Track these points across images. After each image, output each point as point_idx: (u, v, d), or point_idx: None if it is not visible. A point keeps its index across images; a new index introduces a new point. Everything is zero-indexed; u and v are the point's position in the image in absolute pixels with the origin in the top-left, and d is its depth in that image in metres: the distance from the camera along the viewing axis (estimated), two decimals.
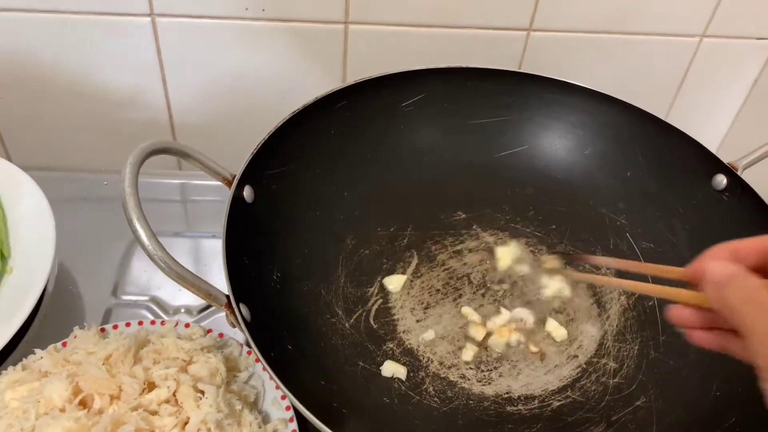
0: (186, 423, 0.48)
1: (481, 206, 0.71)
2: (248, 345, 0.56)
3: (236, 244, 0.53)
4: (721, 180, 0.63)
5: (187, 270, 0.46)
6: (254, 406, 0.53)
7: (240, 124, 0.83)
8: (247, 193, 0.57)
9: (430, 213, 0.70)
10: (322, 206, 0.65)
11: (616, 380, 0.58)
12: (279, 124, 0.61)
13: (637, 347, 0.60)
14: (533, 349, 0.59)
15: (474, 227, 0.70)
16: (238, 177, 0.56)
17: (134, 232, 0.45)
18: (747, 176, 0.62)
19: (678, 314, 0.40)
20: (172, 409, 0.49)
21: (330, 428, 0.43)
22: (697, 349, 0.58)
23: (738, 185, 0.62)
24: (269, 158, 0.60)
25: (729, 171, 0.62)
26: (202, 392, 0.50)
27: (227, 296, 0.48)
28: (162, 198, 0.80)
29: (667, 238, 0.66)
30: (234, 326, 0.48)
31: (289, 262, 0.59)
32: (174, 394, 0.50)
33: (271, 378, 0.45)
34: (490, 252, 0.67)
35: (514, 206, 0.71)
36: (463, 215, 0.70)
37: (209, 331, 0.58)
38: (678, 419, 0.53)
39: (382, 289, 0.63)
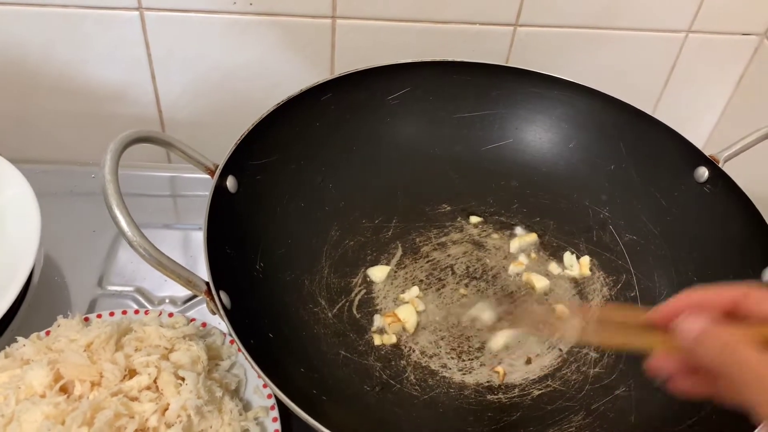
0: (166, 409, 0.48)
1: (466, 199, 0.71)
2: (230, 333, 0.56)
3: (219, 233, 0.53)
4: (702, 172, 0.63)
5: (167, 257, 0.47)
6: (235, 393, 0.54)
7: (229, 119, 0.83)
8: (231, 183, 0.57)
9: (414, 205, 0.70)
10: (307, 197, 0.65)
11: (596, 370, 0.58)
12: (264, 115, 0.62)
13: None
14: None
15: (458, 219, 0.70)
16: (221, 167, 0.56)
17: (114, 218, 0.45)
18: (729, 169, 0.62)
19: (658, 365, 0.39)
20: (152, 396, 0.49)
21: (309, 414, 0.43)
22: None
23: (719, 177, 0.62)
24: (253, 149, 0.60)
25: (710, 163, 0.63)
26: (183, 379, 0.50)
27: (207, 283, 0.48)
28: (151, 191, 0.80)
29: (649, 230, 0.66)
30: (214, 313, 0.48)
31: (273, 252, 0.60)
32: (155, 381, 0.50)
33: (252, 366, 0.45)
34: (474, 244, 0.68)
35: (498, 199, 0.71)
36: (448, 207, 0.71)
37: (192, 320, 0.58)
38: (656, 407, 0.54)
39: (366, 279, 0.63)
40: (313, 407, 0.45)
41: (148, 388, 0.50)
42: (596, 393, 0.56)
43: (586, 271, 0.65)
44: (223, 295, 0.49)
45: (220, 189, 0.56)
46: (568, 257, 0.66)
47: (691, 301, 0.37)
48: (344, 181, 0.68)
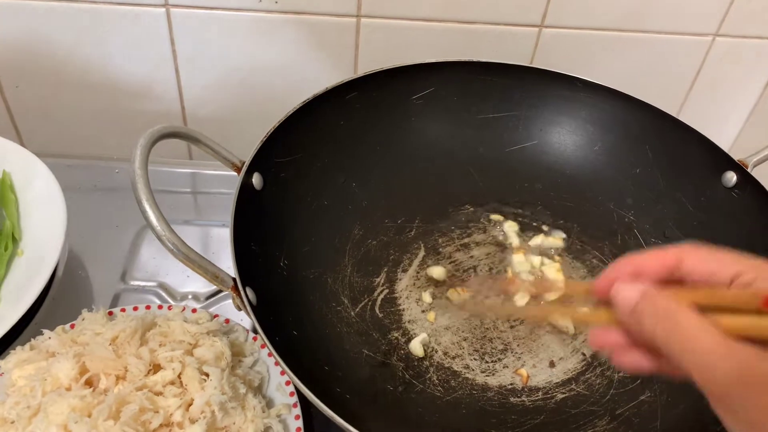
0: (190, 404, 0.49)
1: (489, 200, 0.71)
2: (254, 330, 0.56)
3: (244, 230, 0.54)
4: (731, 177, 0.63)
5: (195, 252, 0.47)
6: (258, 390, 0.54)
7: (252, 116, 0.83)
8: (256, 180, 0.57)
9: (438, 205, 0.70)
10: (331, 196, 0.65)
11: (620, 374, 0.57)
12: (289, 114, 0.62)
13: None
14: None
15: (481, 220, 0.70)
16: (247, 164, 0.57)
17: (143, 212, 0.45)
18: (757, 174, 0.62)
19: (599, 337, 0.37)
20: (176, 391, 0.49)
21: (333, 411, 0.43)
22: None
23: (748, 182, 0.62)
24: (279, 147, 0.60)
25: (739, 168, 0.62)
26: (207, 375, 0.50)
27: (234, 279, 0.48)
28: (173, 187, 0.81)
29: (675, 235, 0.66)
30: (240, 309, 0.48)
31: (297, 249, 0.60)
32: (179, 376, 0.50)
33: (276, 363, 0.45)
34: (498, 245, 0.67)
35: (522, 200, 0.71)
36: (471, 208, 0.70)
37: (216, 316, 0.58)
38: (682, 413, 0.53)
39: (389, 279, 0.63)
40: (335, 403, 0.45)
41: (173, 383, 0.50)
42: (621, 398, 0.55)
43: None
44: (249, 291, 0.49)
45: (246, 186, 0.56)
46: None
47: (627, 268, 0.36)
48: (368, 180, 0.68)
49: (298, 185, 0.63)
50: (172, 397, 0.48)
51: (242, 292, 0.47)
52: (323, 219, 0.64)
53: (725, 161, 0.63)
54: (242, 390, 0.51)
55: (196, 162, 0.84)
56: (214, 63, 0.78)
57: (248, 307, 0.47)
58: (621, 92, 0.69)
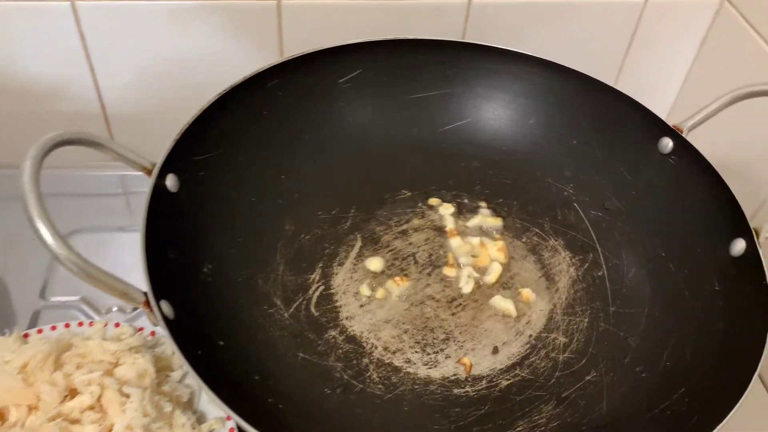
0: (110, 430, 0.45)
1: (426, 183, 0.69)
2: (172, 346, 0.53)
3: (159, 237, 0.50)
4: (666, 143, 0.61)
5: (97, 268, 0.43)
6: (188, 405, 0.51)
7: (178, 111, 0.78)
8: (171, 182, 0.54)
9: (373, 193, 0.67)
10: (257, 191, 0.62)
11: (565, 355, 0.56)
12: (204, 107, 0.58)
13: (586, 320, 0.58)
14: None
15: (419, 205, 0.67)
16: (158, 165, 0.53)
17: (36, 231, 0.42)
18: (694, 138, 0.60)
19: None
20: (95, 416, 0.46)
21: (260, 428, 0.40)
22: (647, 319, 0.58)
23: (683, 148, 0.60)
24: (195, 144, 0.57)
25: (674, 133, 0.61)
26: (129, 396, 0.47)
27: (145, 293, 0.45)
28: (102, 191, 0.77)
29: (615, 206, 0.64)
30: (156, 325, 0.45)
31: (222, 252, 0.56)
32: (99, 400, 0.47)
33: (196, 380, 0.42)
34: (436, 230, 0.65)
35: (460, 181, 0.69)
36: (408, 193, 0.68)
37: (140, 329, 0.55)
38: (628, 393, 0.52)
39: (324, 274, 0.60)
40: (266, 419, 0.43)
41: (91, 408, 0.47)
42: (566, 380, 0.54)
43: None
44: (164, 304, 0.46)
45: (158, 189, 0.52)
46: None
47: None
48: (297, 171, 0.65)
49: (221, 183, 0.59)
50: (89, 423, 0.45)
51: (155, 307, 0.44)
52: (250, 217, 0.60)
53: (660, 127, 0.62)
54: (168, 408, 0.48)
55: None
56: (131, 57, 0.74)
57: (162, 323, 0.44)
58: (553, 62, 0.67)
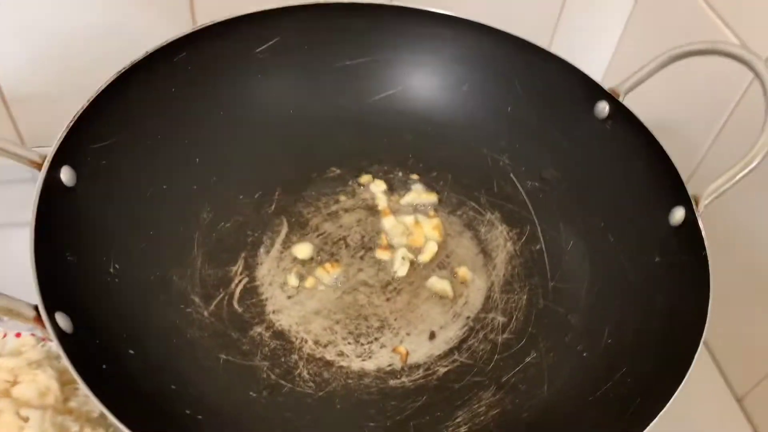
0: None
1: (356, 159, 0.64)
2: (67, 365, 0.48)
3: (53, 239, 0.45)
4: (603, 107, 0.59)
5: None
6: (100, 421, 0.46)
7: (83, 90, 0.72)
8: (66, 175, 0.48)
9: (299, 172, 0.63)
10: (169, 178, 0.57)
11: (504, 336, 0.54)
12: (101, 89, 0.52)
13: (525, 297, 0.56)
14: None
15: (350, 183, 0.63)
16: (50, 157, 0.47)
17: None
18: (631, 102, 0.58)
19: None
20: None
21: None
22: (588, 294, 0.56)
23: (620, 112, 0.57)
24: (93, 130, 0.51)
25: (610, 98, 0.58)
26: (27, 419, 0.42)
27: (35, 307, 0.40)
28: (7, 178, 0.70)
29: (552, 175, 0.62)
30: (51, 341, 0.40)
31: (130, 249, 0.51)
32: None
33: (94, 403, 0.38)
34: (368, 209, 0.61)
35: (392, 156, 0.65)
36: (338, 171, 0.64)
37: (43, 340, 0.50)
38: (569, 374, 0.50)
39: (247, 265, 0.56)
40: None
41: None
42: (506, 363, 0.52)
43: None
44: (60, 317, 0.41)
45: (51, 184, 0.47)
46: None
47: None
48: (213, 153, 0.60)
49: (126, 171, 0.54)
50: None
51: (48, 324, 0.39)
52: (162, 207, 0.55)
53: (596, 91, 0.59)
54: (75, 428, 0.44)
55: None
56: (27, 35, 0.67)
57: (56, 340, 0.39)
58: (485, 25, 0.62)
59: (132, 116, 0.55)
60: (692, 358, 0.43)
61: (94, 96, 0.52)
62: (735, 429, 0.61)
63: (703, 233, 0.49)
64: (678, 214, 0.52)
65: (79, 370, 0.39)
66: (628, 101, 0.58)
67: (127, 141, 0.54)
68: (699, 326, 0.45)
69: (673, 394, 0.42)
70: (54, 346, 0.48)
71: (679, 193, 0.52)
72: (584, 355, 0.51)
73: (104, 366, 0.41)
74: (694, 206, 0.51)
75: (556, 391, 0.49)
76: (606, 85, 0.58)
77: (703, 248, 0.48)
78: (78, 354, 0.40)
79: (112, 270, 0.49)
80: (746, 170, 0.49)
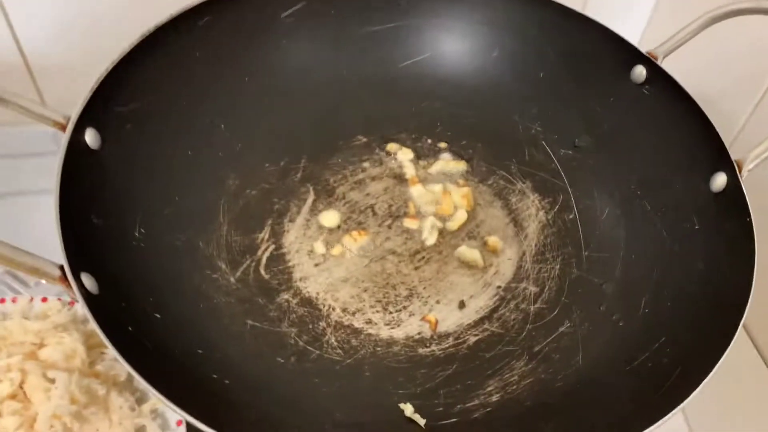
0: (34, 420, 0.40)
1: (384, 127, 0.63)
2: (95, 326, 0.47)
3: (79, 201, 0.44)
4: (640, 72, 0.56)
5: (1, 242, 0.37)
6: (126, 385, 0.46)
7: (108, 58, 0.71)
8: (91, 137, 0.47)
9: (325, 140, 0.61)
10: (195, 144, 0.56)
11: (537, 306, 0.52)
12: (126, 52, 0.51)
13: (558, 266, 0.54)
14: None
15: (377, 151, 0.62)
16: (74, 119, 0.46)
17: None
18: (669, 66, 0.55)
19: None
20: (16, 406, 0.41)
21: (199, 415, 0.36)
22: (623, 263, 0.54)
23: (658, 76, 0.55)
24: (118, 93, 0.50)
25: (648, 61, 0.56)
26: (54, 381, 0.42)
27: (61, 267, 0.39)
28: (32, 150, 0.70)
29: (586, 142, 0.60)
30: (77, 302, 0.40)
31: (156, 214, 0.50)
32: (21, 387, 0.42)
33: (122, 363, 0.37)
34: (396, 178, 0.60)
35: (420, 123, 0.63)
36: (364, 139, 0.62)
37: (71, 303, 0.49)
38: (605, 344, 0.48)
39: (274, 233, 0.55)
40: (210, 398, 0.39)
41: (13, 396, 0.42)
42: (538, 333, 0.50)
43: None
44: (86, 278, 0.40)
45: (75, 146, 0.46)
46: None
47: None
48: (239, 119, 0.59)
49: (151, 136, 0.53)
50: (10, 414, 0.40)
51: (73, 283, 0.39)
52: (188, 172, 0.54)
53: (633, 55, 0.57)
54: (102, 391, 0.43)
55: None
56: (51, 3, 0.66)
57: (82, 300, 0.38)
58: None
59: (157, 81, 0.54)
60: (736, 328, 0.42)
61: (119, 59, 0.51)
62: None
63: (747, 199, 0.47)
64: (719, 180, 0.50)
65: (105, 330, 0.38)
66: (667, 65, 0.55)
67: (151, 105, 0.53)
68: (742, 295, 0.43)
69: (714, 365, 0.40)
70: (80, 308, 0.48)
71: (720, 158, 0.50)
72: (620, 324, 0.49)
73: (130, 328, 0.41)
74: (737, 171, 0.49)
75: (592, 360, 0.48)
76: (643, 49, 0.56)
77: (748, 214, 0.47)
78: (104, 315, 0.39)
79: (137, 234, 0.48)
80: None
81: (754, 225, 0.46)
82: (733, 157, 0.49)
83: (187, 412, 0.36)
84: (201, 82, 0.57)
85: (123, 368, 0.46)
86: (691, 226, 0.51)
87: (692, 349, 0.43)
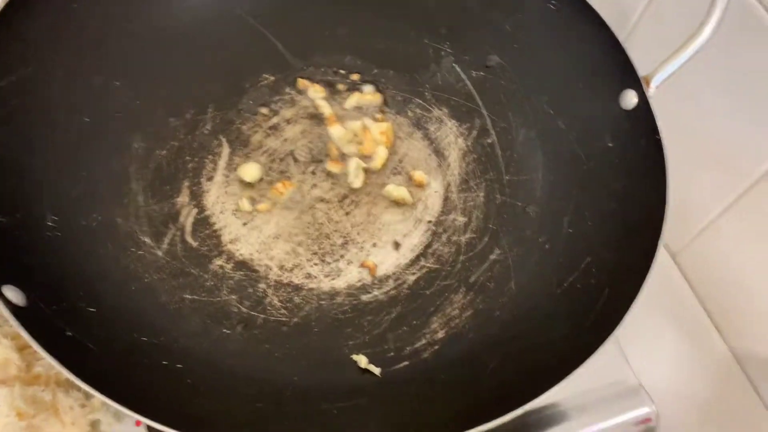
0: None
1: (291, 62, 0.60)
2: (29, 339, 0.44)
3: None
4: None
5: None
6: (71, 382, 0.44)
7: None
8: None
9: (230, 83, 0.58)
10: (89, 108, 0.51)
11: (467, 236, 0.54)
12: None
13: (482, 194, 0.56)
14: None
15: (287, 90, 0.59)
16: None
17: None
18: None
19: None
20: None
21: (155, 417, 0.35)
22: (543, 184, 0.56)
23: None
24: None
25: None
26: None
27: None
28: None
29: (497, 62, 0.60)
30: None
31: (63, 197, 0.47)
32: None
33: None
34: (312, 118, 0.58)
35: (327, 54, 0.61)
36: (271, 78, 0.59)
37: None
38: (535, 268, 0.51)
39: (193, 195, 0.53)
40: (166, 391, 0.38)
41: None
42: (471, 263, 0.52)
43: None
44: (9, 290, 0.37)
45: None
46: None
47: None
48: (134, 73, 0.54)
49: (40, 109, 0.48)
50: None
51: None
52: (89, 142, 0.50)
53: None
54: (48, 396, 0.41)
55: None
56: None
57: (10, 316, 0.36)
58: None
59: (34, 45, 0.48)
60: (655, 248, 0.44)
61: None
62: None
63: (656, 115, 0.49)
64: (628, 97, 0.51)
65: (42, 342, 0.36)
66: None
67: (34, 74, 0.48)
68: (658, 212, 0.46)
69: (639, 288, 0.42)
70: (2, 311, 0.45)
71: (628, 75, 0.51)
72: (546, 247, 0.52)
73: (68, 332, 0.39)
74: (645, 87, 0.50)
75: (524, 285, 0.50)
76: None
77: (656, 131, 0.49)
78: (38, 325, 0.37)
79: (50, 223, 0.45)
80: (696, 47, 0.48)
81: (664, 142, 0.48)
82: (641, 73, 0.51)
83: (146, 416, 0.35)
84: (85, 40, 0.51)
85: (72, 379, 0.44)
86: (605, 144, 0.52)
87: (616, 269, 0.46)
